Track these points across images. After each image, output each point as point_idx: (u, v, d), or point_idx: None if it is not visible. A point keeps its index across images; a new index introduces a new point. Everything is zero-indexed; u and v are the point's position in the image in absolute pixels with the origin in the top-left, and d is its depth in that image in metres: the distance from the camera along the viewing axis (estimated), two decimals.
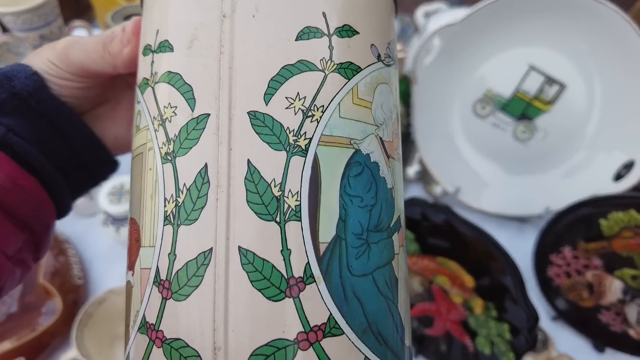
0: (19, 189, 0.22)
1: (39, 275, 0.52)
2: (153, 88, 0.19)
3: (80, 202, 0.60)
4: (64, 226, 0.62)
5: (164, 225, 0.17)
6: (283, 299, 0.15)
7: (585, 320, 0.52)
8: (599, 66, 0.54)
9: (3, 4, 0.62)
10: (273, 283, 0.15)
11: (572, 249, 0.51)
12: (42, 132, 0.24)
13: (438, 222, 0.42)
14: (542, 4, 0.53)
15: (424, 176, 0.69)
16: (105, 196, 0.54)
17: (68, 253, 0.56)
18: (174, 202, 0.17)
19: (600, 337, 0.52)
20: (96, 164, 0.27)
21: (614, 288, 0.48)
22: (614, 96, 0.55)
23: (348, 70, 0.17)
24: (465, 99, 0.62)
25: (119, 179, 0.55)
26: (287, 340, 0.15)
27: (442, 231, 0.43)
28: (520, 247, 0.59)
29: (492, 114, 0.61)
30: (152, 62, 0.19)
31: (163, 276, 0.17)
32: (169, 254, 0.17)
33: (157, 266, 0.17)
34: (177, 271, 0.16)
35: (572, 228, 0.51)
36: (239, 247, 0.16)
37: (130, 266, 0.19)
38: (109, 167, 0.29)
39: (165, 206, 0.17)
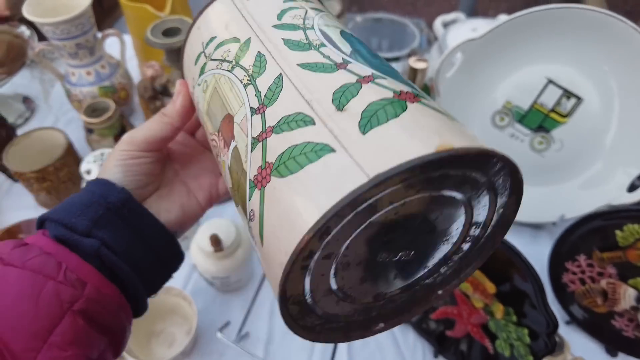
0: (102, 297, 0.25)
1: None
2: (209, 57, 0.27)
3: None
4: None
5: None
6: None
7: (598, 326, 0.55)
8: (617, 81, 0.56)
9: (42, 14, 0.65)
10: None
11: (587, 257, 0.54)
12: (128, 239, 0.27)
13: None
14: (561, 22, 0.55)
15: None
16: None
17: None
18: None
19: (613, 342, 0.54)
20: (170, 258, 0.30)
21: (627, 296, 0.50)
22: (631, 110, 0.57)
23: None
24: (484, 111, 0.64)
25: None
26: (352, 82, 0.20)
27: None
28: (534, 253, 0.61)
29: (510, 125, 0.63)
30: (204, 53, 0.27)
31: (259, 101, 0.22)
32: (255, 94, 0.22)
33: (250, 106, 0.22)
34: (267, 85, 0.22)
35: (587, 238, 0.54)
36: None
37: (228, 145, 0.23)
38: (179, 259, 0.32)
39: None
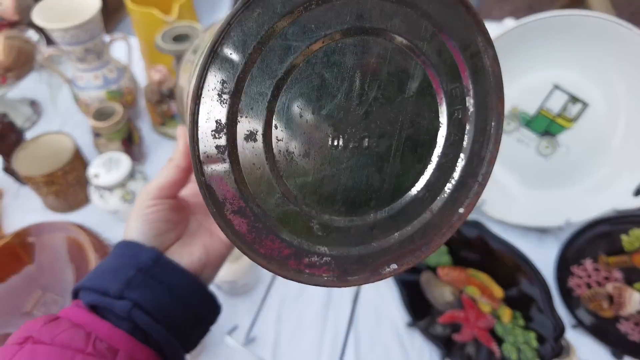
0: None
1: None
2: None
3: (123, 208, 0.63)
4: (107, 231, 0.66)
5: None
6: None
7: (604, 330, 0.55)
8: (623, 86, 0.57)
9: (51, 19, 0.65)
10: None
11: (593, 261, 0.54)
12: (161, 298, 0.27)
13: (471, 236, 0.45)
14: (567, 28, 0.55)
15: None
16: None
17: None
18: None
19: (619, 346, 0.54)
20: (205, 312, 0.30)
21: (633, 300, 0.51)
22: (637, 114, 0.57)
23: None
24: None
25: None
26: None
27: (474, 245, 0.46)
28: (540, 257, 0.62)
29: (516, 129, 0.64)
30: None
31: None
32: None
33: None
34: None
35: (593, 242, 0.54)
36: None
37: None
38: (215, 311, 0.31)
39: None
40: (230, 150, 0.19)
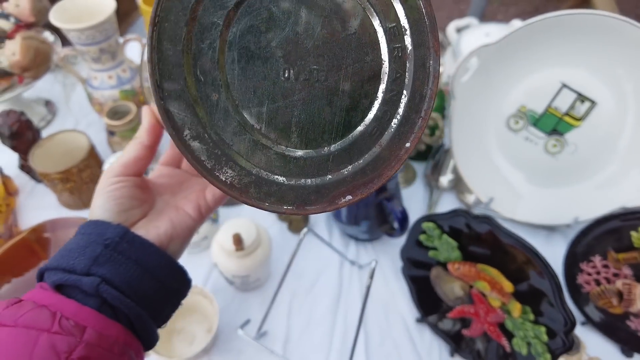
0: (104, 340, 0.25)
1: None
2: None
3: None
4: None
5: None
6: None
7: (614, 326, 0.55)
8: (631, 84, 0.57)
9: (67, 21, 0.67)
10: None
11: (602, 258, 0.54)
12: (130, 272, 0.27)
13: (481, 232, 0.46)
14: (574, 27, 0.56)
15: (458, 185, 0.73)
16: None
17: None
18: None
19: (629, 343, 0.55)
20: (176, 285, 0.30)
21: None
22: None
23: None
24: (499, 114, 0.65)
25: None
26: None
27: (484, 240, 0.47)
28: (548, 255, 0.62)
29: (524, 128, 0.64)
30: None
31: None
32: None
33: None
34: None
35: (602, 239, 0.54)
36: None
37: None
38: (185, 284, 0.31)
39: None
40: (187, 76, 0.21)
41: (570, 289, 0.59)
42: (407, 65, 0.21)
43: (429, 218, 0.50)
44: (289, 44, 0.21)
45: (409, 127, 0.22)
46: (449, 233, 0.49)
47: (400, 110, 0.22)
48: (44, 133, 0.83)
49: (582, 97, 0.59)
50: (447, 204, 0.72)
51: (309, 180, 0.22)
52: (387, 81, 0.22)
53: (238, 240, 0.52)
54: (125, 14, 1.73)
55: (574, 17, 0.55)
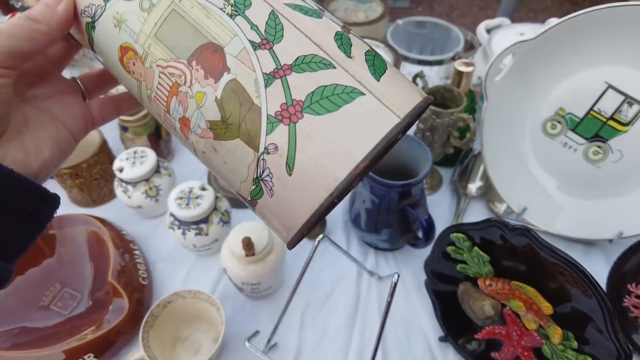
0: None
1: (108, 273, 0.53)
2: None
3: (146, 204, 0.61)
4: (129, 227, 0.64)
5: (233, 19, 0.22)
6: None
7: None
8: None
9: None
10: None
11: None
12: None
13: (516, 244, 0.41)
14: (625, 21, 0.51)
15: (487, 193, 0.67)
16: (173, 200, 0.55)
17: (134, 254, 0.58)
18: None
19: None
20: (35, 205, 0.23)
21: None
22: None
23: None
24: (535, 117, 0.60)
25: (188, 184, 0.56)
26: None
27: (519, 254, 0.42)
28: None
29: (562, 133, 0.59)
30: None
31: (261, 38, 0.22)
32: (251, 27, 0.22)
33: (249, 39, 0.21)
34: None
35: None
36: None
37: (217, 76, 0.21)
38: (50, 204, 0.24)
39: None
40: None
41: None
42: None
43: (458, 228, 0.45)
44: None
45: None
46: (480, 245, 0.44)
47: None
48: None
49: (630, 100, 0.54)
50: (475, 213, 0.67)
51: None
52: None
53: (249, 245, 0.48)
54: None
55: (622, 10, 0.50)
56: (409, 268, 0.60)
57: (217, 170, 0.24)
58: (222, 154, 0.22)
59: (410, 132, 0.78)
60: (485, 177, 0.68)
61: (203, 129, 0.22)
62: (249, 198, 0.23)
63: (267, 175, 0.21)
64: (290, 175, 0.21)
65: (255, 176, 0.22)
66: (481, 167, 0.70)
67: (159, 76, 0.23)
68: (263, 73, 0.21)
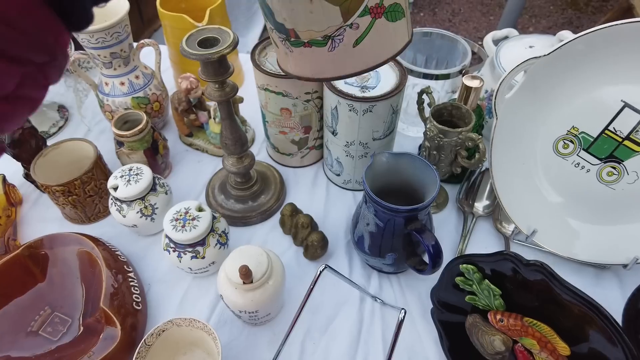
0: (12, 21, 0.17)
1: (100, 297, 0.51)
2: None
3: (141, 223, 0.59)
4: (124, 245, 0.62)
5: None
6: None
7: None
8: None
9: None
10: None
11: None
12: None
13: (530, 279, 0.38)
14: None
15: (495, 212, 0.65)
16: (168, 222, 0.53)
17: (128, 276, 0.56)
18: None
19: None
20: None
21: None
22: None
23: None
24: (546, 136, 0.57)
25: (184, 205, 0.54)
26: None
27: (532, 289, 0.39)
28: (598, 297, 0.54)
29: (575, 152, 0.56)
30: None
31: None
32: None
33: None
34: None
35: None
36: None
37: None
38: None
39: None
40: None
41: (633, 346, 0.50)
42: None
43: (468, 259, 0.43)
44: None
45: None
46: (491, 277, 0.42)
47: None
48: (55, 139, 0.80)
49: None
50: (483, 234, 0.64)
51: None
52: None
53: (246, 274, 0.46)
54: (149, 20, 1.72)
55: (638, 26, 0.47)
56: (414, 292, 0.57)
57: (295, 11, 0.30)
58: (316, 7, 0.29)
59: (416, 150, 0.75)
60: (493, 196, 0.65)
61: None
62: (306, 40, 0.32)
63: (338, 38, 0.31)
64: (354, 47, 0.32)
65: (328, 34, 0.31)
66: (488, 185, 0.67)
67: None
68: None
